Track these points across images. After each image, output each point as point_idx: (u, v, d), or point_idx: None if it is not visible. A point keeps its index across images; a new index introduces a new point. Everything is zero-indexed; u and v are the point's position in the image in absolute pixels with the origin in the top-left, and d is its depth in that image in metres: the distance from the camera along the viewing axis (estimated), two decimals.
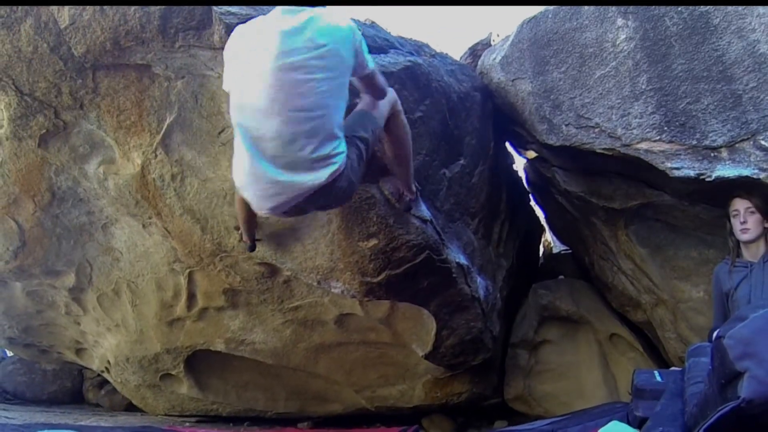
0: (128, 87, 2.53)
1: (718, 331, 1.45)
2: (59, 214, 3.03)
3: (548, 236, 5.61)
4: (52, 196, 2.95)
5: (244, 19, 2.25)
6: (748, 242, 2.43)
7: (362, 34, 1.99)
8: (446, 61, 3.18)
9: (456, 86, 3.02)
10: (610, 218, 3.28)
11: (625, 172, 2.99)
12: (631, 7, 2.80)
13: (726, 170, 2.44)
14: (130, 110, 2.57)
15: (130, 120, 2.59)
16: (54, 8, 2.30)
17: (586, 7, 2.95)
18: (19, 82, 2.50)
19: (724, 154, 2.47)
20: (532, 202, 4.73)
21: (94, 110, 2.60)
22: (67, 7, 2.29)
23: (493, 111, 3.44)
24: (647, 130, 2.64)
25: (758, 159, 2.39)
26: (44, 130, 2.68)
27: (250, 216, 2.48)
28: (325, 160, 1.86)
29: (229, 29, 2.24)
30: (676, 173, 2.54)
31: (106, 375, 4.13)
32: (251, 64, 1.84)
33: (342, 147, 1.90)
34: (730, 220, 2.49)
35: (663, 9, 2.72)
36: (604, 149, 2.79)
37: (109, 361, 3.85)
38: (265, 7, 2.33)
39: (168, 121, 2.57)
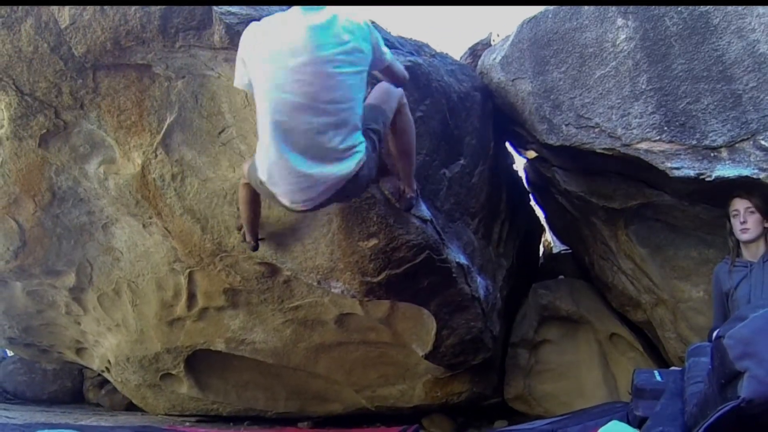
0: (129, 87, 2.53)
1: (717, 330, 1.45)
2: (59, 213, 3.03)
3: (548, 236, 5.61)
4: (53, 196, 2.95)
5: (245, 19, 2.26)
6: (747, 242, 2.44)
7: None
8: (446, 61, 3.18)
9: (456, 86, 3.03)
10: (610, 218, 3.29)
11: (625, 172, 3.00)
12: (631, 7, 2.80)
13: (726, 170, 2.44)
14: (130, 110, 2.57)
15: (131, 120, 2.59)
16: (54, 8, 2.30)
17: (586, 7, 2.95)
18: (19, 82, 2.50)
19: (724, 154, 2.47)
20: (532, 202, 4.73)
21: (95, 110, 2.60)
22: (67, 7, 2.29)
23: (493, 111, 3.44)
24: (647, 130, 2.64)
25: (758, 159, 2.39)
26: (45, 130, 2.68)
27: (255, 215, 2.50)
28: (351, 150, 1.95)
29: (229, 29, 2.25)
30: (676, 173, 2.54)
31: (106, 375, 4.13)
32: (280, 58, 1.88)
33: (362, 137, 2.01)
34: (730, 220, 2.49)
35: (663, 9, 2.72)
36: (604, 149, 2.79)
37: (109, 361, 3.85)
38: (265, 7, 2.34)
39: (168, 121, 2.57)
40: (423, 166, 2.68)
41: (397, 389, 3.60)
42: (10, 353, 5.14)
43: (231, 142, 2.59)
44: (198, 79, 2.50)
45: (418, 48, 2.99)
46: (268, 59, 1.90)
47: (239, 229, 2.66)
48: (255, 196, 2.38)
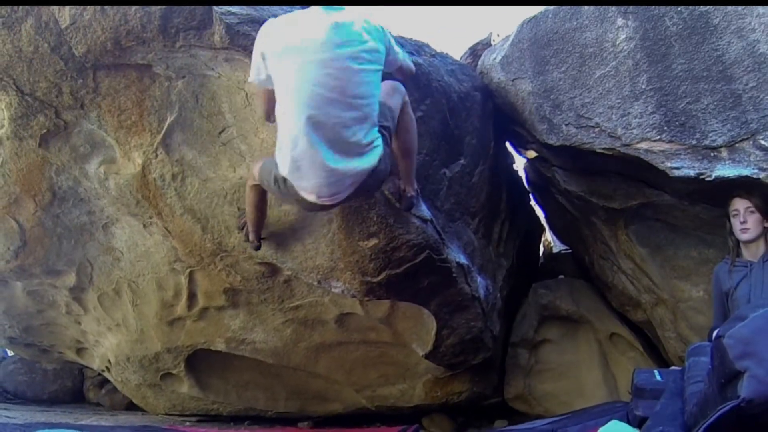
0: (129, 87, 2.53)
1: (717, 330, 1.45)
2: (60, 213, 3.03)
3: (548, 236, 5.61)
4: (53, 196, 2.96)
5: (245, 19, 2.26)
6: (747, 242, 2.44)
7: None
8: (446, 61, 3.18)
9: (456, 86, 3.03)
10: (610, 218, 3.29)
11: (625, 172, 3.00)
12: (631, 7, 2.80)
13: (726, 170, 2.44)
14: (130, 110, 2.57)
15: (131, 120, 2.59)
16: (55, 8, 2.30)
17: (586, 7, 2.95)
18: (19, 81, 2.50)
19: (724, 153, 2.48)
20: (532, 202, 4.73)
21: (95, 110, 2.60)
22: (67, 7, 2.29)
23: (494, 111, 3.44)
24: (647, 129, 2.64)
25: (758, 159, 2.39)
26: (45, 130, 2.68)
27: (262, 216, 2.51)
28: (371, 144, 2.02)
29: (229, 29, 2.25)
30: (676, 173, 2.54)
31: (106, 374, 4.13)
32: (307, 53, 1.90)
33: (378, 133, 2.07)
34: (729, 220, 2.49)
35: (663, 9, 2.72)
36: (604, 149, 2.79)
37: (109, 361, 3.85)
38: (265, 7, 2.34)
39: (168, 120, 2.57)
40: (423, 166, 2.69)
41: (397, 389, 3.60)
42: (10, 353, 5.14)
43: (231, 142, 2.59)
44: (198, 79, 2.50)
45: (418, 48, 2.99)
46: (295, 53, 1.92)
47: (240, 228, 2.66)
48: (263, 198, 2.41)
